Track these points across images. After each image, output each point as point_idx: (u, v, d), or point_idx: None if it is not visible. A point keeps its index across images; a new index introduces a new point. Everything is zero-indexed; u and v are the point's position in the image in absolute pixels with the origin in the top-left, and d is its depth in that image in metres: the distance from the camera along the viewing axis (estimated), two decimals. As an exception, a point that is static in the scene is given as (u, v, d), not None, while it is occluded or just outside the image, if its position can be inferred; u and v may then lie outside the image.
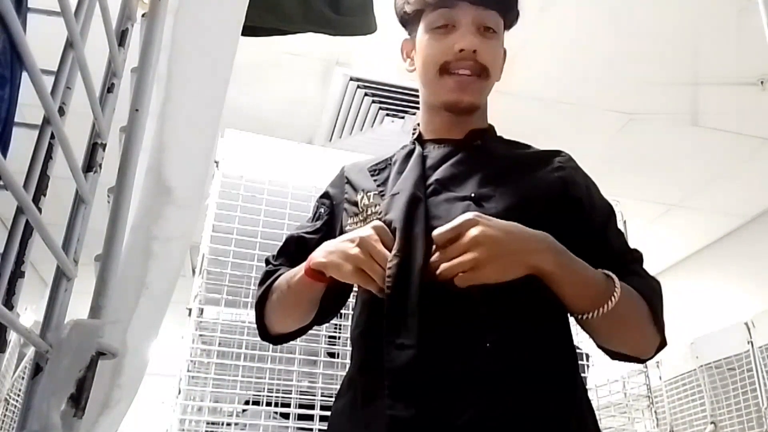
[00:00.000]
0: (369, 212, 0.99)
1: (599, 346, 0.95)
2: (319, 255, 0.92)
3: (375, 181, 1.04)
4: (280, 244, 1.12)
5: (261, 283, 1.07)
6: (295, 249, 1.08)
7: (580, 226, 0.96)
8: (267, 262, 1.12)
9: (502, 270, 0.80)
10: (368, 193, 1.02)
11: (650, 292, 0.92)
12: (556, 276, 0.84)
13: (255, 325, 1.07)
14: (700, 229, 3.87)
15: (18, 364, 3.27)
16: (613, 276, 0.88)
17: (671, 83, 2.67)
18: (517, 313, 0.86)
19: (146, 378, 0.63)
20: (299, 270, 0.95)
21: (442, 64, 1.00)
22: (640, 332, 0.92)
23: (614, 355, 0.94)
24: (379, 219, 0.95)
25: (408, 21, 1.08)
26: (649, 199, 3.53)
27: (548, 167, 1.01)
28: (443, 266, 0.81)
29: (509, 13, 1.06)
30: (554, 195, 0.96)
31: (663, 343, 0.94)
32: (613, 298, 0.84)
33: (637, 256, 0.99)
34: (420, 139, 1.07)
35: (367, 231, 0.87)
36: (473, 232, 0.80)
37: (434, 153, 1.03)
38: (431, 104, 1.06)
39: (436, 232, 0.83)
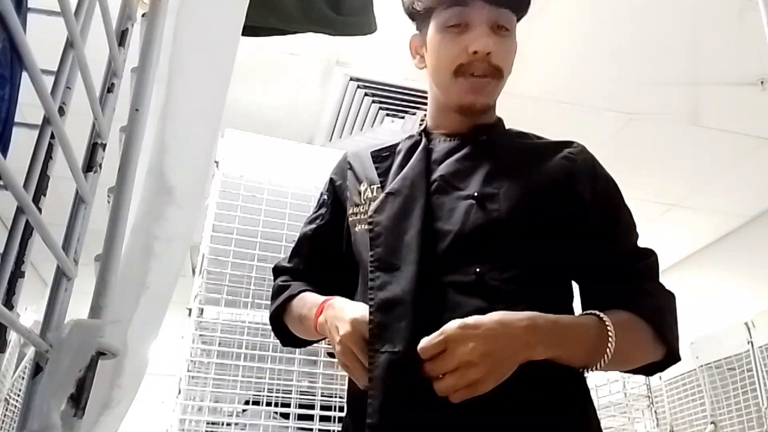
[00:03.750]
0: (371, 206, 0.99)
1: None
2: (324, 322, 0.93)
3: (377, 169, 1.03)
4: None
5: (273, 297, 1.07)
6: (308, 249, 1.09)
7: (584, 225, 0.95)
8: (276, 269, 1.12)
9: (497, 380, 0.79)
10: (372, 186, 1.01)
11: (652, 312, 0.90)
12: (548, 357, 0.83)
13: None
14: (700, 229, 3.87)
15: (18, 364, 3.27)
16: (606, 319, 0.86)
17: (671, 83, 2.67)
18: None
19: (146, 378, 0.63)
20: (310, 312, 0.97)
21: (456, 66, 0.97)
22: (644, 356, 0.92)
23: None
24: (369, 218, 0.94)
25: (417, 16, 1.04)
26: (649, 199, 3.52)
27: (556, 161, 0.99)
28: (438, 387, 0.79)
29: (522, 11, 1.03)
30: (559, 192, 0.95)
31: (671, 356, 0.92)
32: (609, 349, 0.84)
33: (645, 256, 0.97)
34: (426, 132, 1.06)
35: (346, 327, 0.87)
36: (463, 351, 0.78)
37: (440, 147, 1.02)
38: (443, 104, 1.04)
39: (421, 345, 0.80)
